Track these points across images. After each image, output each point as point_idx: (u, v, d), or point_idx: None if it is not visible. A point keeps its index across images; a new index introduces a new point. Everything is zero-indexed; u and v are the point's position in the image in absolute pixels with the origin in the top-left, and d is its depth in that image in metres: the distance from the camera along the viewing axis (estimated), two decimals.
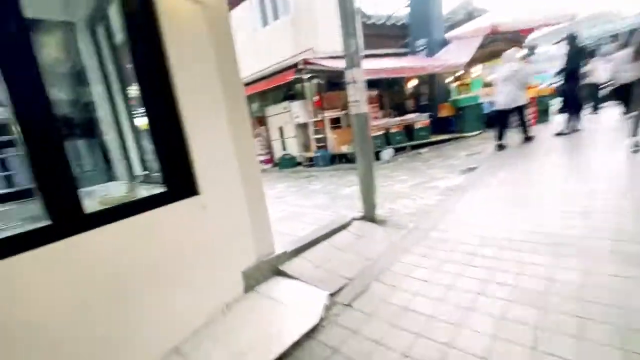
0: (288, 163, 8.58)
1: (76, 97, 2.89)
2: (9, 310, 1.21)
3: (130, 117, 2.79)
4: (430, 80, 9.14)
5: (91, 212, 1.45)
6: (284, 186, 6.25)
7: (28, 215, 2.40)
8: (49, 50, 2.77)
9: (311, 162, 8.13)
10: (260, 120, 9.48)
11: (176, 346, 1.70)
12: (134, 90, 2.72)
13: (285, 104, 8.56)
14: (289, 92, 8.72)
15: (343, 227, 2.92)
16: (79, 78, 2.93)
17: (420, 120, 7.98)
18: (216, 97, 1.99)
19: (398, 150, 7.52)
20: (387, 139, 7.49)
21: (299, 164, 8.52)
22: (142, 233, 1.60)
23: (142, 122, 2.77)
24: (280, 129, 8.96)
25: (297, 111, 8.18)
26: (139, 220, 1.59)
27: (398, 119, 7.99)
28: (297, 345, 1.60)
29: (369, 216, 3.13)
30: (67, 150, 1.36)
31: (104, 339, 1.46)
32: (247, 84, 8.00)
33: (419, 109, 9.14)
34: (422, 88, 9.51)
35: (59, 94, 2.84)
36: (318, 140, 7.97)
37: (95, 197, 2.32)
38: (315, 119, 7.93)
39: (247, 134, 2.22)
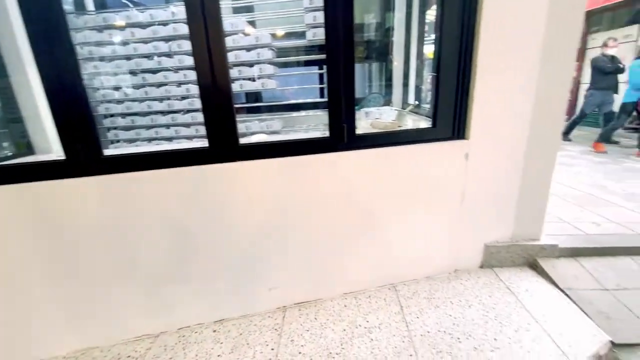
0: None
1: (378, 20, 3.07)
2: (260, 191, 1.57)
3: (421, 43, 2.68)
4: None
5: (360, 134, 1.53)
6: (579, 151, 4.59)
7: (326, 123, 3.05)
8: None
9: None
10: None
11: (393, 284, 1.74)
12: (431, 14, 2.52)
13: (630, 29, 5.69)
14: None
15: None
16: (384, 2, 3.05)
17: None
18: (536, 27, 1.46)
19: None
20: None
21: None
22: (397, 164, 1.57)
23: (430, 49, 2.62)
24: None
25: None
26: (401, 151, 1.56)
27: None
28: None
29: None
30: (355, 73, 1.42)
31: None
32: None
33: None
34: None
35: (365, 17, 3.10)
36: None
37: (369, 118, 2.54)
38: None
39: (562, 82, 1.57)
